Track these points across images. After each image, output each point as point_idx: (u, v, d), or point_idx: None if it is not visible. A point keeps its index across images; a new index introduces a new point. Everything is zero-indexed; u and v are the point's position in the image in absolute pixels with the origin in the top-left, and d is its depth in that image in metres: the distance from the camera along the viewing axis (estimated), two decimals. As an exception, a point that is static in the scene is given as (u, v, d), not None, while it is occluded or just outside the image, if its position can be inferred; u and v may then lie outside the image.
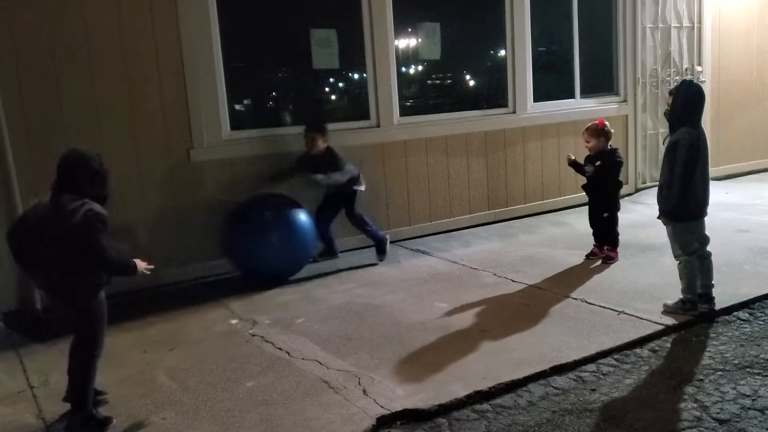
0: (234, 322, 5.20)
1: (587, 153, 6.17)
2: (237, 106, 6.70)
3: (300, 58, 7.03)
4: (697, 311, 4.68)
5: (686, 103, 4.59)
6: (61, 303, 3.67)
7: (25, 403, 3.99)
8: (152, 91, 6.03)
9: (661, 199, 4.69)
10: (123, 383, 4.18)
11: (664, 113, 4.86)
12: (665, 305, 4.79)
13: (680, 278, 4.76)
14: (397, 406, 3.65)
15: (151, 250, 6.06)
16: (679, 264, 4.76)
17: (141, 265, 3.73)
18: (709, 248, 4.75)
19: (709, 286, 4.74)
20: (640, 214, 7.77)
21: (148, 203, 6.09)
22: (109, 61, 5.83)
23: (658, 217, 4.78)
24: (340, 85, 7.57)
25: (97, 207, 3.54)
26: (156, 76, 6.03)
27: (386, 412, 3.60)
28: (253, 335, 4.88)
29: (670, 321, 4.61)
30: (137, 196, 6.02)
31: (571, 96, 8.65)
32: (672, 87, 4.82)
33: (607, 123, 6.15)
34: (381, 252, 6.68)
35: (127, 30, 5.87)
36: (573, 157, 6.27)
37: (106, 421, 3.68)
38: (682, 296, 4.74)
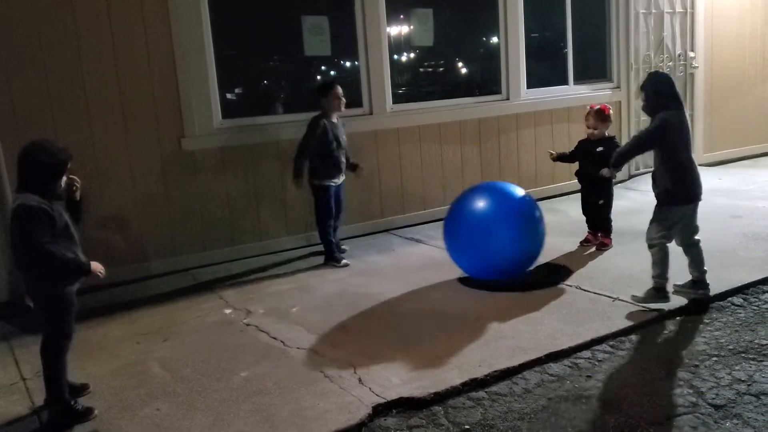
0: (228, 311, 5.18)
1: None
2: (228, 95, 6.64)
3: (292, 46, 6.97)
4: (667, 299, 4.65)
5: (656, 91, 4.63)
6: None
7: (18, 395, 3.97)
8: (143, 80, 5.96)
9: (654, 185, 4.72)
10: (116, 374, 4.15)
11: (642, 108, 4.86)
12: (633, 297, 4.78)
13: (652, 265, 4.75)
14: (393, 395, 3.65)
15: (143, 239, 6.07)
16: (653, 250, 4.74)
17: (96, 266, 3.61)
18: (702, 235, 4.74)
19: (702, 272, 4.72)
20: (633, 201, 7.78)
21: (139, 192, 6.04)
22: (99, 49, 5.76)
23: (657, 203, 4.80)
24: (333, 72, 7.51)
25: (31, 200, 3.36)
26: (146, 64, 5.96)
27: (382, 401, 3.60)
28: (247, 325, 4.86)
29: (665, 307, 4.60)
30: (128, 185, 5.98)
31: (565, 82, 8.62)
32: (642, 82, 4.84)
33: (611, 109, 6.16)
34: None
35: (117, 18, 5.80)
36: (555, 153, 6.34)
37: (86, 411, 3.66)
38: (654, 283, 4.71)
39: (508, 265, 5.25)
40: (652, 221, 4.73)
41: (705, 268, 4.72)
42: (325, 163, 6.05)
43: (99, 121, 5.80)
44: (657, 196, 4.67)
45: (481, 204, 5.28)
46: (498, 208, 5.27)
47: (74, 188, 3.72)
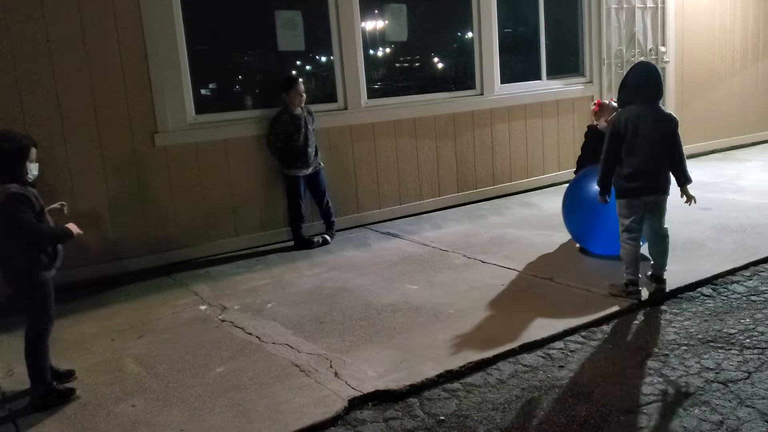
0: (203, 308, 5.16)
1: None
2: (202, 90, 6.60)
3: (265, 41, 6.95)
4: (639, 294, 4.70)
5: (622, 83, 4.69)
6: (8, 286, 3.72)
7: (-9, 393, 3.94)
8: (114, 74, 5.91)
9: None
10: (91, 371, 4.13)
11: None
12: (610, 286, 4.84)
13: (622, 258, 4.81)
14: (369, 388, 3.67)
15: (116, 236, 6.02)
16: (621, 246, 4.80)
17: (74, 229, 3.77)
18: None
19: (661, 269, 4.77)
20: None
21: (113, 189, 5.99)
22: (70, 44, 5.70)
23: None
24: (307, 67, 7.50)
25: (11, 188, 3.54)
26: (118, 58, 5.91)
27: (358, 394, 3.62)
28: (222, 321, 4.85)
29: (635, 298, 4.68)
30: (101, 182, 5.93)
31: (538, 77, 8.69)
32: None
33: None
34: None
35: (87, 12, 5.74)
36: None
37: (68, 392, 3.78)
38: (625, 279, 4.76)
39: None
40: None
41: (667, 265, 4.77)
42: (289, 154, 6.48)
43: (70, 117, 5.74)
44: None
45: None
46: None
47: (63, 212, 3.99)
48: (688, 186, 4.77)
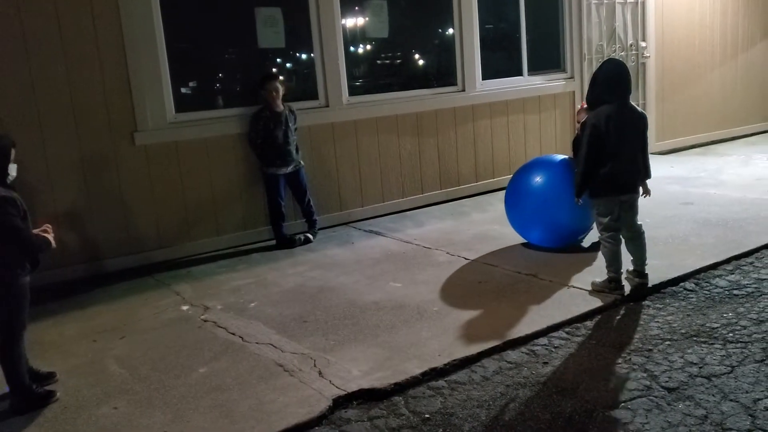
0: (185, 308, 5.11)
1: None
2: (182, 88, 6.54)
3: (245, 38, 6.89)
4: (621, 290, 4.71)
5: (592, 81, 4.69)
6: None
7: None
8: (93, 73, 5.83)
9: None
10: (72, 373, 4.08)
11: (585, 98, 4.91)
12: (593, 283, 4.86)
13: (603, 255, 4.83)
14: (353, 387, 3.65)
15: (96, 237, 5.96)
16: (602, 244, 4.81)
17: (49, 237, 3.73)
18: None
19: (641, 263, 4.78)
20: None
21: (92, 189, 5.92)
22: (47, 43, 5.62)
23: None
24: (288, 65, 7.46)
25: (1, 191, 3.51)
26: (96, 57, 5.83)
27: (342, 393, 3.60)
28: (205, 321, 4.81)
29: (618, 294, 4.69)
30: (80, 181, 5.85)
31: (519, 73, 8.69)
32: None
33: None
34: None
35: (65, 10, 5.66)
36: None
37: (48, 395, 3.74)
38: (607, 276, 4.77)
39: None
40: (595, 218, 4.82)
41: (647, 261, 4.78)
42: (269, 152, 6.43)
43: (48, 116, 5.66)
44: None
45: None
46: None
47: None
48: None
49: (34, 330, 4.71)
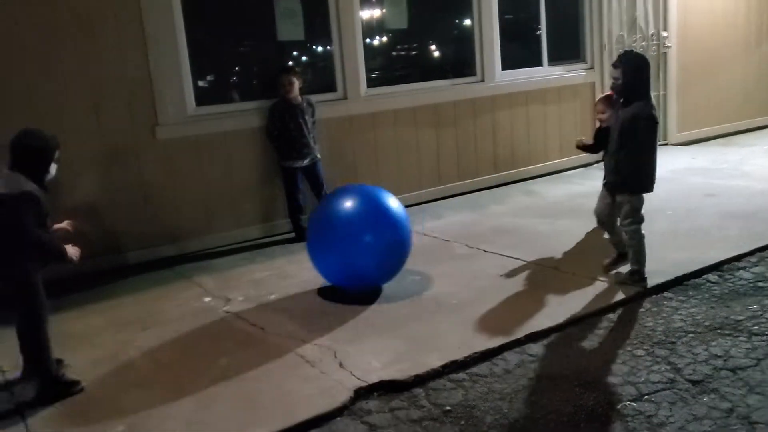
0: (207, 300, 5.14)
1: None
2: (201, 82, 6.55)
3: (264, 30, 6.89)
4: (644, 283, 4.67)
5: (638, 76, 4.54)
6: None
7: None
8: (114, 66, 5.85)
9: (617, 173, 4.68)
10: (97, 364, 4.11)
11: (612, 87, 4.76)
12: (616, 274, 4.84)
13: (629, 249, 4.77)
14: (374, 378, 3.66)
15: (118, 230, 6.00)
16: (627, 235, 4.75)
17: (72, 251, 3.74)
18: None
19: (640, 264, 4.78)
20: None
21: (114, 182, 5.95)
22: (69, 37, 5.65)
23: (609, 190, 4.84)
24: (306, 57, 7.45)
25: (34, 188, 3.56)
26: (118, 51, 5.85)
27: (363, 384, 3.61)
28: (227, 312, 4.84)
29: (641, 287, 4.65)
30: (102, 175, 5.89)
31: (539, 64, 8.62)
32: (615, 60, 4.74)
33: None
34: None
35: (86, 2, 5.68)
36: (582, 140, 5.93)
37: (73, 383, 3.77)
38: (632, 268, 4.74)
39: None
40: (627, 211, 4.70)
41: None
42: (285, 145, 6.44)
43: (70, 110, 5.69)
44: (621, 184, 4.68)
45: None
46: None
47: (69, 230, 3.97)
48: None
49: (59, 321, 4.75)
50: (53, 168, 3.74)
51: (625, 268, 4.81)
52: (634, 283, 4.68)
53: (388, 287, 5.05)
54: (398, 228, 4.86)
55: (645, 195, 4.66)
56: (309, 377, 3.75)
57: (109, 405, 3.62)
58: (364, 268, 4.76)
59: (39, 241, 3.59)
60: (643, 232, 4.69)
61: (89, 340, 4.50)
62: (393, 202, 4.94)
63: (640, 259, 4.70)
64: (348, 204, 4.81)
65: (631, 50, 5.05)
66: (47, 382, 3.71)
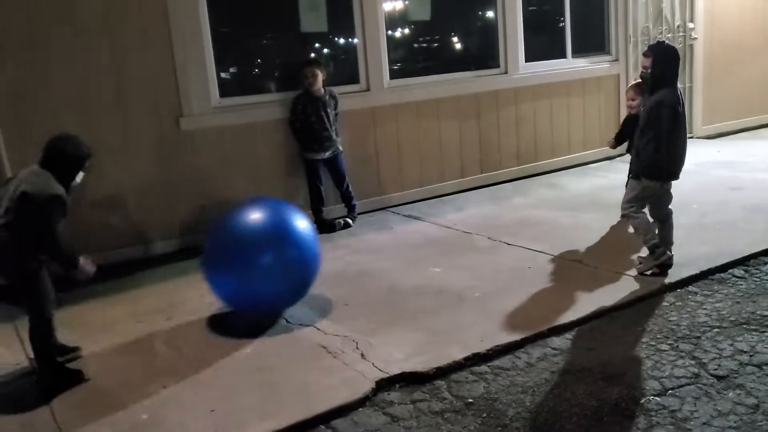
0: (229, 290, 5.17)
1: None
2: (224, 74, 6.58)
3: (288, 22, 6.90)
4: (667, 256, 4.69)
5: (667, 64, 4.56)
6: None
7: (24, 377, 3.96)
8: (139, 58, 5.89)
9: (638, 159, 4.70)
10: (120, 353, 4.17)
11: (641, 75, 4.81)
12: (639, 260, 4.85)
13: (637, 229, 4.81)
14: (396, 370, 3.66)
15: (141, 221, 6.05)
16: (632, 219, 4.78)
17: (87, 266, 3.80)
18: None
19: (669, 243, 4.79)
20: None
21: (138, 173, 5.99)
22: (94, 30, 5.69)
23: (634, 178, 4.82)
24: (330, 49, 7.45)
25: (62, 192, 3.63)
26: (142, 43, 5.89)
27: (385, 376, 3.61)
28: (249, 303, 4.86)
29: (665, 280, 4.61)
30: (127, 166, 5.93)
31: (563, 56, 8.55)
32: (646, 49, 4.76)
33: None
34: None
35: (111, -4, 5.75)
36: (612, 140, 6.18)
37: (77, 373, 3.82)
38: (648, 246, 4.75)
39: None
40: (632, 194, 4.76)
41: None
42: (306, 136, 6.49)
43: (94, 101, 5.74)
44: (641, 170, 4.68)
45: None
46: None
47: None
48: None
49: (82, 311, 4.85)
50: (80, 176, 3.83)
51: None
52: (658, 258, 4.65)
53: (409, 279, 5.05)
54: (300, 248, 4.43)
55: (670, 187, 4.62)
56: (331, 368, 3.76)
57: (133, 394, 3.65)
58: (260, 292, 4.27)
59: (58, 245, 3.63)
60: (642, 213, 4.72)
61: (112, 329, 4.55)
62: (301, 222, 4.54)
63: (650, 233, 4.71)
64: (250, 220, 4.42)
65: (664, 41, 5.05)
66: (49, 367, 3.78)
